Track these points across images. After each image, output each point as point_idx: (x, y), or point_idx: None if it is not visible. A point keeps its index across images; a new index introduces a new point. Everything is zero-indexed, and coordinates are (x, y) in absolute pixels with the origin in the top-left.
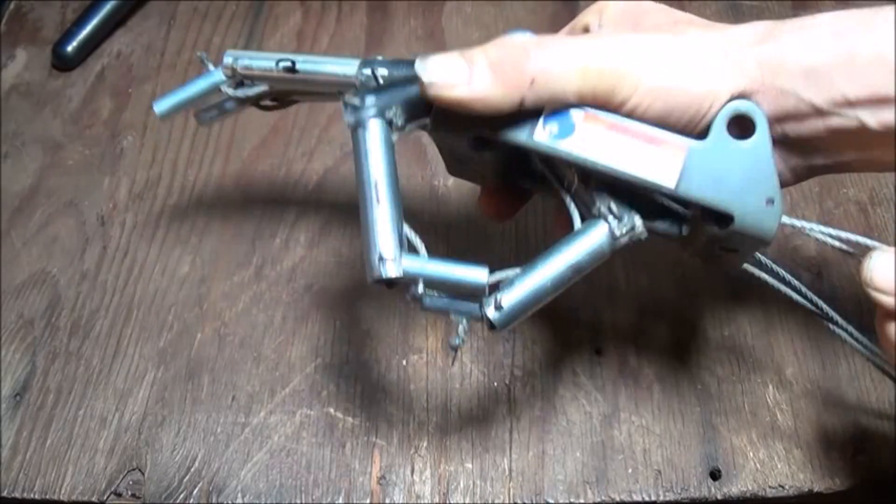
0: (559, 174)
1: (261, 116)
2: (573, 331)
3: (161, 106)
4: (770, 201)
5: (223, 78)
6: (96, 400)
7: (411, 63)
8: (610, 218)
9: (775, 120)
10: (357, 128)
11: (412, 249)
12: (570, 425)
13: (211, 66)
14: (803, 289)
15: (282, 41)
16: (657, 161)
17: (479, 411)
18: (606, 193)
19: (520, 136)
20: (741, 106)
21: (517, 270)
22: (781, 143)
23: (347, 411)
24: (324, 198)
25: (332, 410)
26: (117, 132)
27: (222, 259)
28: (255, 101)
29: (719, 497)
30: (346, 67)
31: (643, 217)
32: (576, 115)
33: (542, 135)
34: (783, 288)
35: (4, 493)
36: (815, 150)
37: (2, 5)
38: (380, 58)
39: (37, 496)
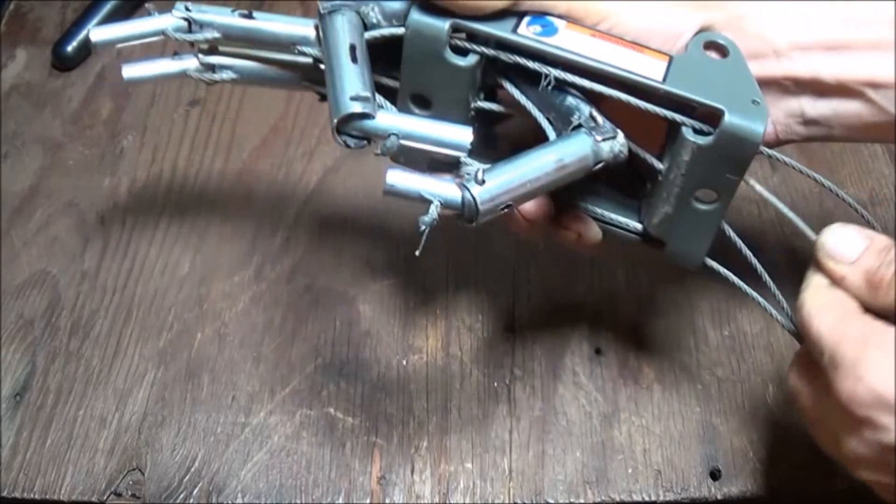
0: (526, 90)
1: (261, 116)
2: (573, 331)
3: (98, 35)
4: (755, 102)
5: (173, 21)
6: (96, 400)
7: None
8: (592, 124)
9: None
10: (329, 13)
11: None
12: (570, 425)
13: (157, 13)
14: (765, 276)
15: None
16: (642, 63)
17: (479, 411)
18: (587, 104)
19: (503, 29)
20: (712, 34)
21: (495, 163)
22: None
23: (347, 411)
24: (324, 198)
25: (332, 410)
26: (117, 132)
27: (222, 259)
28: (201, 56)
29: (719, 497)
30: (304, 26)
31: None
32: (558, 21)
33: (526, 31)
34: (741, 284)
35: (4, 493)
36: (776, 103)
37: (2, 5)
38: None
39: (37, 496)
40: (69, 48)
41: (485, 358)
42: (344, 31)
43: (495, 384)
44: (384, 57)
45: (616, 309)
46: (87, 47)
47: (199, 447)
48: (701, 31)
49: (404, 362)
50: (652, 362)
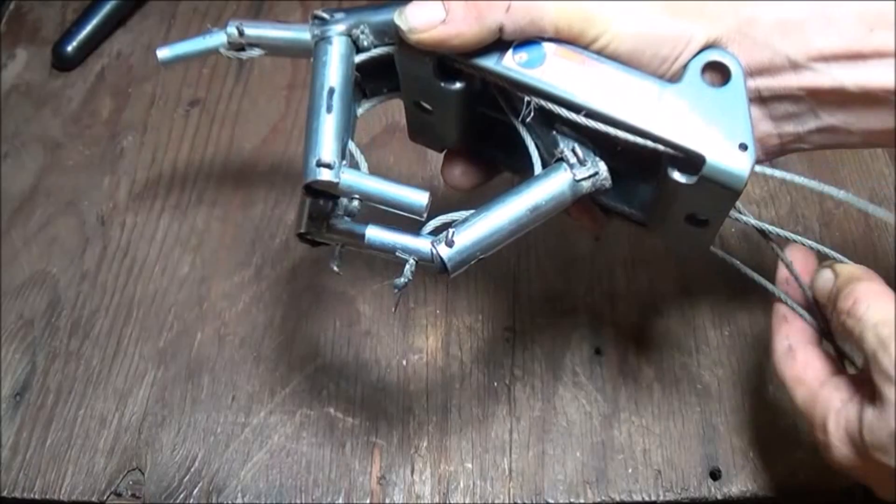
0: (521, 112)
1: (261, 116)
2: (573, 331)
3: (164, 53)
4: (743, 146)
5: (224, 41)
6: (96, 400)
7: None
8: (573, 160)
9: (749, 73)
10: (321, 40)
11: (354, 166)
12: (570, 425)
13: (215, 30)
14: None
15: None
16: (630, 92)
17: (479, 411)
18: (570, 137)
19: (487, 61)
20: (716, 53)
21: (471, 211)
22: (754, 101)
23: (347, 411)
24: None
25: (332, 410)
26: (117, 132)
27: (222, 259)
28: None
29: (719, 497)
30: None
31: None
32: (548, 47)
33: (511, 62)
34: (749, 272)
35: (4, 493)
36: (788, 116)
37: (2, 5)
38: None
39: (37, 496)
40: (69, 48)
41: (485, 358)
42: (328, 66)
43: (495, 384)
44: (388, 69)
45: (616, 309)
46: (87, 47)
47: (199, 447)
48: (706, 45)
49: (404, 362)
50: (652, 362)
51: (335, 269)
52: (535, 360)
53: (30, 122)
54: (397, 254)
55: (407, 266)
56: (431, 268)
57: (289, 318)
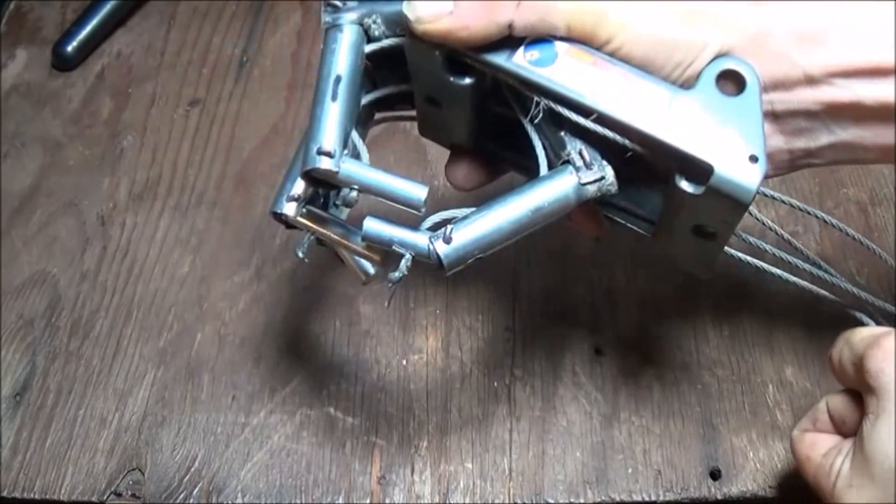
0: (530, 111)
1: (261, 116)
2: (573, 331)
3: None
4: (753, 158)
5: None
6: (96, 400)
7: None
8: (579, 164)
9: (763, 86)
10: (332, 28)
11: (356, 156)
12: (570, 425)
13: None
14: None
15: (282, 41)
16: (641, 97)
17: (479, 411)
18: (578, 139)
19: (496, 57)
20: (732, 62)
21: (472, 209)
22: (766, 116)
23: (347, 411)
24: None
25: (332, 410)
26: (117, 132)
27: (222, 259)
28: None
29: (719, 497)
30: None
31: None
32: (560, 46)
33: (521, 59)
34: (762, 265)
35: (4, 493)
36: (800, 131)
37: (2, 5)
38: None
39: (37, 496)
40: (69, 48)
41: (485, 358)
42: (336, 54)
43: (495, 384)
44: (401, 61)
45: (616, 309)
46: (87, 47)
47: (199, 447)
48: (720, 53)
49: (404, 362)
50: (652, 362)
51: (300, 255)
52: (535, 360)
53: (30, 122)
54: (394, 247)
55: (403, 261)
56: (428, 264)
57: (289, 318)
